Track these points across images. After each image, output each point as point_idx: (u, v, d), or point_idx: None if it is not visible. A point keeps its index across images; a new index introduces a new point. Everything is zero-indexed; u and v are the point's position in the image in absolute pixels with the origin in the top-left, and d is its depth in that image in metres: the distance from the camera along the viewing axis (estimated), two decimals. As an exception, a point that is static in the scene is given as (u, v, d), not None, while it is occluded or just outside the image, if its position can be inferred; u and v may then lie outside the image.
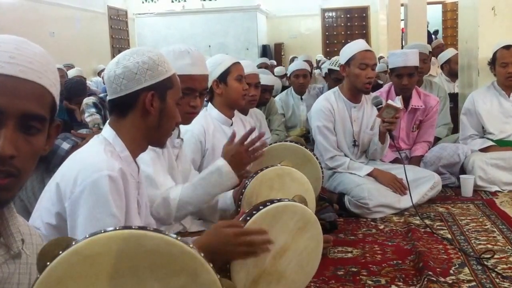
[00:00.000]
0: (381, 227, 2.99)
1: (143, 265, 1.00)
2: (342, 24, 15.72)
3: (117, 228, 1.02)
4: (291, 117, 5.24)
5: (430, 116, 3.87)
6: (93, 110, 4.16)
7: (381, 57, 9.29)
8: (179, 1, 14.37)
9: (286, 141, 2.98)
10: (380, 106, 3.23)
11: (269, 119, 4.38)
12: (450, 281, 2.16)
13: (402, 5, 11.64)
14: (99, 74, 9.65)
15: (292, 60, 9.34)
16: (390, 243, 2.69)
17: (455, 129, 4.47)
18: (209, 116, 2.70)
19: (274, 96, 5.11)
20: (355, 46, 3.32)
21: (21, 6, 8.87)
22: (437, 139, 4.20)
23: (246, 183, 2.07)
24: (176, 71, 1.69)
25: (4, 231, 1.00)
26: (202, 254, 1.05)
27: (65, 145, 2.39)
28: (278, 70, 7.97)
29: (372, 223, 3.07)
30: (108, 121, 1.66)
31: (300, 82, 5.18)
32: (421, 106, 3.82)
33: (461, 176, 3.58)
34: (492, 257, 2.38)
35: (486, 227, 2.87)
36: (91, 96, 4.42)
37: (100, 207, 1.41)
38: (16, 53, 0.95)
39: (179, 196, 1.98)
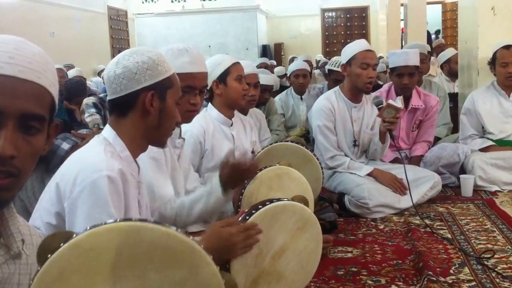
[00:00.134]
0: (381, 227, 2.99)
1: (144, 257, 1.01)
2: (342, 24, 15.72)
3: (118, 220, 1.02)
4: (291, 117, 5.24)
5: (430, 116, 3.87)
6: (93, 110, 4.15)
7: (380, 57, 9.29)
8: (179, 1, 14.37)
9: (287, 141, 2.98)
10: (381, 106, 3.23)
11: (268, 119, 4.38)
12: (450, 281, 2.16)
13: (402, 5, 11.65)
14: (99, 74, 9.64)
15: (292, 60, 9.34)
16: (390, 243, 2.69)
17: (455, 129, 4.47)
18: (209, 116, 2.70)
19: (274, 96, 5.11)
20: (356, 46, 3.32)
21: (21, 6, 8.87)
22: (437, 139, 4.20)
23: (246, 183, 2.07)
24: (175, 69, 1.69)
25: (4, 231, 1.00)
26: (202, 246, 1.05)
27: (65, 145, 2.40)
28: (278, 70, 7.97)
29: (372, 223, 3.07)
30: (108, 121, 1.66)
31: (300, 82, 5.18)
32: (421, 105, 3.82)
33: (461, 176, 3.58)
34: (492, 257, 2.38)
35: (486, 227, 2.87)
36: (91, 96, 4.42)
37: (99, 207, 1.41)
38: (15, 53, 0.95)
39: (174, 216, 2.01)
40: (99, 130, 3.24)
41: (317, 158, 2.69)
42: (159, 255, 1.01)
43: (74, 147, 2.33)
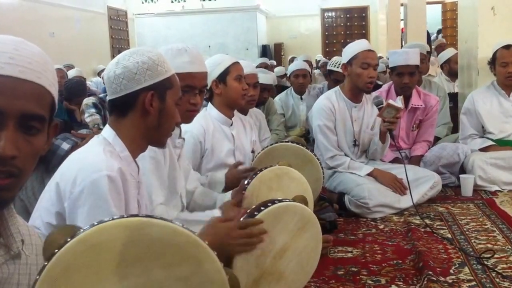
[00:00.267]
0: (381, 226, 2.99)
1: (149, 253, 1.02)
2: (342, 24, 15.72)
3: (124, 216, 1.03)
4: (291, 117, 5.24)
5: (430, 115, 3.87)
6: (93, 110, 4.16)
7: (380, 57, 9.29)
8: (178, 1, 14.38)
9: (287, 141, 2.98)
10: (381, 105, 3.23)
11: (268, 119, 4.38)
12: (450, 281, 2.16)
13: (401, 5, 11.65)
14: (99, 74, 9.64)
15: (292, 60, 9.35)
16: (390, 243, 2.69)
17: (455, 129, 4.47)
18: (208, 116, 2.70)
19: (274, 96, 5.11)
20: (357, 46, 3.32)
21: (21, 6, 8.87)
22: (437, 139, 4.20)
23: (246, 184, 2.07)
24: (175, 69, 1.70)
25: (4, 232, 1.00)
26: (207, 243, 1.06)
27: (65, 145, 2.40)
28: (278, 70, 7.97)
29: (372, 222, 3.07)
30: (108, 121, 1.66)
31: (299, 82, 5.18)
32: (421, 105, 3.82)
33: (461, 175, 3.58)
34: (492, 257, 2.38)
35: (486, 226, 2.87)
36: (91, 97, 4.42)
37: (99, 207, 1.41)
38: (15, 54, 0.95)
39: (174, 218, 2.00)
40: (99, 130, 3.23)
41: (318, 158, 2.68)
42: (165, 251, 1.02)
43: (74, 147, 2.33)
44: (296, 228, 1.63)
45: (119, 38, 12.82)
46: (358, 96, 3.39)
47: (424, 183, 3.33)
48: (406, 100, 3.78)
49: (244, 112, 3.26)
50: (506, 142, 3.77)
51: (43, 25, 9.44)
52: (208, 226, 1.59)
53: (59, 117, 4.40)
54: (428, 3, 9.83)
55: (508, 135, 3.79)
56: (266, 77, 4.38)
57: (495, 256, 2.40)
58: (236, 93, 2.67)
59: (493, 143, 3.79)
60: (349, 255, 2.55)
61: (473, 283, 2.14)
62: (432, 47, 9.07)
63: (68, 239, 0.98)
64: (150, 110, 1.58)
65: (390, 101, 3.25)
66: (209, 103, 2.76)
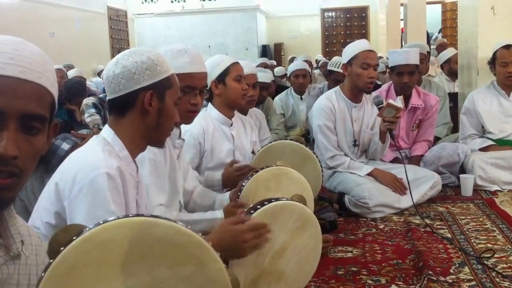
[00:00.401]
0: (381, 226, 2.99)
1: (154, 252, 1.03)
2: (342, 24, 15.72)
3: (129, 215, 1.04)
4: (291, 117, 5.24)
5: (430, 115, 3.87)
6: (92, 110, 4.15)
7: (380, 57, 9.29)
8: (178, 2, 14.38)
9: (287, 139, 2.98)
10: (381, 105, 3.23)
11: (267, 118, 4.39)
12: (450, 281, 2.16)
13: (401, 5, 11.65)
14: (99, 74, 9.65)
15: (292, 60, 9.35)
16: (390, 243, 2.69)
17: (455, 129, 4.47)
18: (208, 116, 2.70)
19: (273, 97, 5.12)
20: (357, 46, 3.32)
21: (21, 7, 8.87)
22: (437, 139, 4.20)
23: (243, 184, 2.07)
24: (175, 70, 1.70)
25: (4, 232, 1.00)
26: (211, 243, 1.07)
27: (65, 146, 2.40)
28: (278, 70, 7.97)
29: (372, 222, 3.07)
30: (107, 121, 1.66)
31: (299, 82, 5.19)
32: (421, 105, 3.82)
33: (461, 175, 3.58)
34: (492, 257, 2.38)
35: (486, 226, 2.87)
36: (91, 97, 4.42)
37: (99, 205, 1.41)
38: (15, 54, 0.95)
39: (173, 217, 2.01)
40: (99, 130, 3.23)
41: (317, 156, 2.68)
42: (169, 250, 1.04)
43: (74, 147, 2.33)
44: (294, 227, 1.63)
45: (119, 38, 12.82)
46: (358, 96, 3.39)
47: (424, 183, 3.33)
48: (406, 99, 3.78)
49: (244, 112, 3.26)
50: (506, 142, 3.77)
51: (43, 25, 9.44)
52: (220, 229, 1.57)
53: (59, 117, 4.40)
54: (428, 3, 9.83)
55: (508, 135, 3.79)
56: (264, 76, 4.38)
57: (495, 255, 2.39)
58: (236, 93, 2.67)
59: (493, 143, 3.79)
60: (349, 255, 2.55)
61: (473, 282, 2.14)
62: (432, 47, 9.08)
63: (74, 238, 0.99)
64: (149, 110, 1.58)
65: (390, 101, 3.25)
66: (209, 103, 2.76)
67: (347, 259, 2.49)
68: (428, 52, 4.87)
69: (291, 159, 2.35)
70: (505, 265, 2.30)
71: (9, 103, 0.92)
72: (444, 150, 3.73)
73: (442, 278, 2.15)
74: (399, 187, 3.27)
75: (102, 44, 11.90)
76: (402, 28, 11.47)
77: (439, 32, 15.28)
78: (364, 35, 14.86)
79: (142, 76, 1.56)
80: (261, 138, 3.72)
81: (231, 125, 2.75)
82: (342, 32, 15.63)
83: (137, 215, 1.06)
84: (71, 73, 6.75)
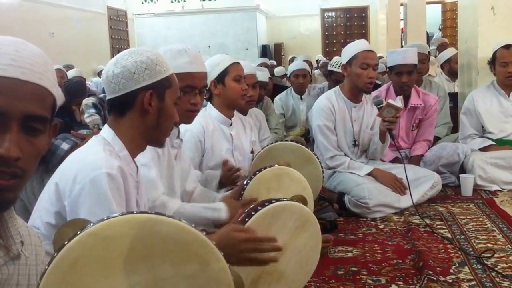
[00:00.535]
0: (381, 226, 2.99)
1: (157, 250, 1.03)
2: (342, 24, 15.72)
3: (134, 212, 1.05)
4: (291, 117, 5.24)
5: (430, 115, 3.87)
6: (92, 110, 4.15)
7: (380, 57, 9.29)
8: (178, 2, 14.38)
9: (287, 140, 2.98)
10: (381, 105, 3.23)
11: (266, 118, 4.39)
12: (450, 280, 2.16)
13: (401, 5, 11.65)
14: (98, 74, 9.64)
15: (292, 60, 9.34)
16: (390, 243, 2.69)
17: (455, 129, 4.46)
18: (208, 116, 2.70)
19: (271, 97, 5.12)
20: (357, 46, 3.32)
21: (20, 7, 8.87)
22: (437, 139, 4.20)
23: (245, 184, 2.07)
24: (174, 69, 1.70)
25: (3, 233, 1.01)
26: (214, 243, 1.08)
27: (65, 146, 2.40)
28: (278, 70, 7.97)
29: (372, 222, 3.07)
30: (107, 121, 1.66)
31: (299, 82, 5.19)
32: (420, 104, 3.82)
33: (461, 175, 3.58)
34: (492, 256, 2.38)
35: (486, 226, 2.87)
36: (90, 97, 4.42)
37: (100, 205, 1.41)
38: (17, 55, 0.95)
39: (177, 208, 2.01)
40: (99, 130, 3.23)
41: (317, 158, 2.68)
42: (173, 248, 1.04)
43: (74, 147, 2.33)
44: (294, 227, 1.63)
45: (119, 38, 12.82)
46: (357, 96, 3.39)
47: (424, 182, 3.33)
48: (405, 99, 3.78)
49: (244, 112, 3.26)
50: (506, 142, 3.77)
51: (43, 25, 9.44)
52: (223, 230, 1.54)
53: (59, 117, 4.39)
54: (428, 3, 9.83)
55: (508, 135, 3.79)
56: (261, 75, 4.39)
57: (495, 255, 2.40)
58: (235, 93, 2.67)
59: (493, 142, 3.79)
60: (349, 254, 2.55)
61: (473, 282, 2.14)
62: (432, 48, 9.07)
63: (78, 232, 0.99)
64: (149, 110, 1.58)
65: (390, 101, 3.25)
66: (209, 103, 2.77)
67: (347, 259, 2.49)
68: (429, 52, 4.87)
69: (292, 160, 2.35)
70: (505, 265, 2.30)
71: (10, 105, 0.92)
72: (444, 150, 3.73)
73: (442, 278, 2.15)
74: (399, 187, 3.27)
75: (102, 44, 11.89)
76: (402, 28, 11.47)
77: (439, 30, 15.28)
78: (364, 35, 14.85)
79: (142, 76, 1.56)
80: (261, 138, 3.72)
81: (231, 125, 2.76)
82: (342, 32, 15.63)
83: (142, 212, 1.06)
84: (71, 73, 6.75)
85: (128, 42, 13.27)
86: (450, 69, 5.66)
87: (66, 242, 0.98)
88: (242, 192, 2.07)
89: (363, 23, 15.55)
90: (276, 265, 1.61)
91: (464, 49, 4.69)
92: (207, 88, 2.57)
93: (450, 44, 8.89)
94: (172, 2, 14.44)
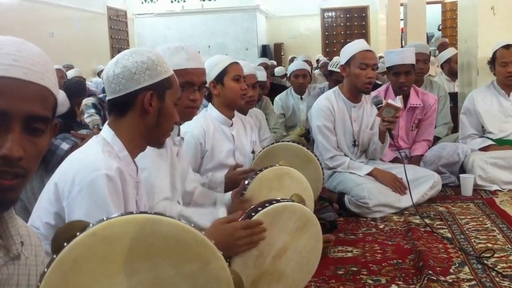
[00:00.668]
0: (381, 226, 2.99)
1: (157, 250, 1.03)
2: (342, 24, 15.72)
3: (134, 212, 1.05)
4: (291, 117, 5.24)
5: (429, 114, 3.87)
6: (92, 110, 4.15)
7: (380, 57, 9.29)
8: (178, 2, 14.38)
9: (288, 141, 2.98)
10: (380, 105, 3.23)
11: (266, 118, 4.39)
12: (450, 280, 2.16)
13: (401, 5, 11.65)
14: (98, 74, 9.64)
15: (292, 60, 9.34)
16: (390, 243, 2.69)
17: (455, 129, 4.46)
18: (209, 117, 2.70)
19: (271, 97, 5.12)
20: (355, 46, 3.32)
21: (20, 7, 8.87)
22: (437, 139, 4.20)
23: (246, 184, 2.07)
24: (173, 66, 1.70)
25: (3, 234, 1.01)
26: (213, 242, 1.08)
27: (65, 146, 2.40)
28: (278, 70, 7.97)
29: (372, 222, 3.07)
30: (107, 121, 1.66)
31: (299, 82, 5.19)
32: (420, 104, 3.82)
33: (461, 175, 3.58)
34: (492, 256, 2.38)
35: (486, 226, 2.87)
36: (90, 97, 4.41)
37: (98, 206, 1.41)
38: (18, 55, 0.95)
39: (178, 211, 2.01)
40: (99, 130, 3.23)
41: (318, 158, 2.68)
42: (173, 248, 1.04)
43: (74, 147, 2.33)
44: (295, 228, 1.63)
45: (119, 38, 12.82)
46: (357, 96, 3.39)
47: (424, 182, 3.33)
48: (405, 99, 3.78)
49: (244, 112, 3.26)
50: (505, 142, 3.77)
51: (43, 25, 9.44)
52: (212, 227, 1.59)
53: (58, 117, 4.39)
54: (428, 3, 9.83)
55: (508, 135, 3.79)
56: (260, 74, 4.39)
57: (495, 255, 2.40)
58: (234, 93, 2.67)
59: (493, 142, 3.79)
60: (349, 254, 2.55)
61: (473, 282, 2.14)
62: (432, 48, 9.07)
63: (77, 233, 0.99)
64: (149, 110, 1.57)
65: (389, 101, 3.25)
66: (210, 104, 2.77)
67: (347, 259, 2.50)
68: (429, 52, 4.87)
69: (292, 160, 2.35)
70: (505, 265, 2.30)
71: (13, 105, 0.92)
72: (444, 150, 3.73)
73: (442, 278, 2.15)
74: (399, 186, 3.27)
75: (102, 44, 11.89)
76: (402, 28, 11.47)
77: (438, 30, 15.27)
78: (364, 35, 14.85)
79: (143, 76, 1.56)
80: (261, 138, 3.72)
81: (231, 125, 2.75)
82: (342, 32, 15.62)
83: (141, 212, 1.06)
84: (70, 73, 6.75)
85: (128, 42, 13.27)
86: (450, 69, 5.66)
87: (65, 244, 0.98)
88: (243, 192, 2.07)
89: (363, 23, 15.55)
90: (276, 265, 1.61)
91: (464, 49, 4.69)
92: (206, 85, 2.57)
93: (450, 44, 8.90)
94: (172, 2, 14.44)
